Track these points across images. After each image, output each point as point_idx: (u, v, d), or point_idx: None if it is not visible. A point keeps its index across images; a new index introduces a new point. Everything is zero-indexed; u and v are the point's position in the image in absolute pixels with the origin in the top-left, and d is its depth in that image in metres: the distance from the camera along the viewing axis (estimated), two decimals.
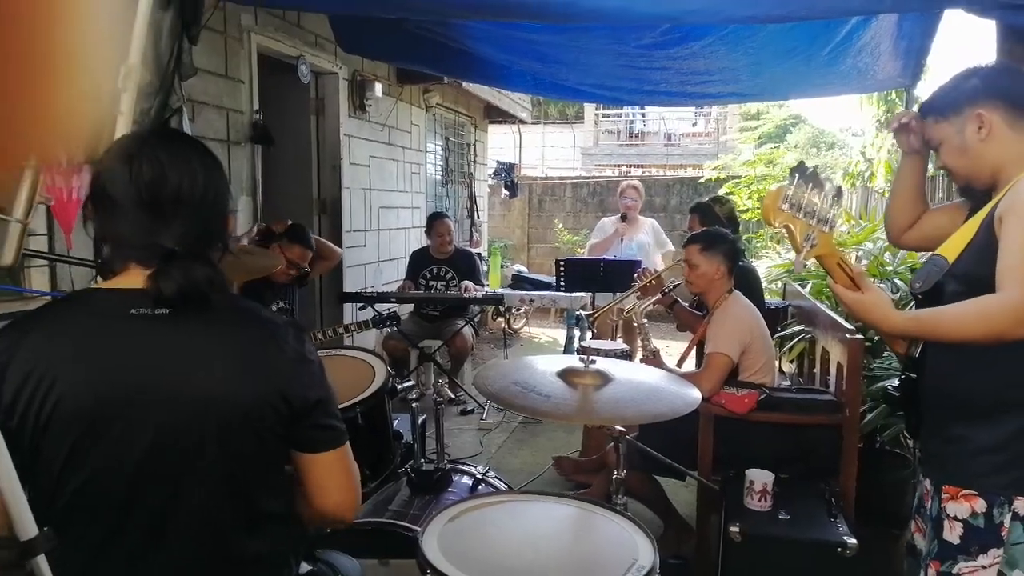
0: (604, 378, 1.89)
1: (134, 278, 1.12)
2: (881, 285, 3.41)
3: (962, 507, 1.53)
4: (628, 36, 3.14)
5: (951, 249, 1.61)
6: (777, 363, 3.86)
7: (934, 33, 3.43)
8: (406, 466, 2.42)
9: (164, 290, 1.08)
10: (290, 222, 3.68)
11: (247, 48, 3.95)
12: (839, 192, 1.55)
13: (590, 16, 2.33)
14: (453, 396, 5.08)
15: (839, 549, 2.11)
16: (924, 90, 6.11)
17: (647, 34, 3.07)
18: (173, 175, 1.13)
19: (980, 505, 1.50)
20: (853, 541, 2.12)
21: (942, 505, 1.56)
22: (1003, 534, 1.48)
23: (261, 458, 1.16)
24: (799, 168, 1.50)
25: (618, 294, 4.41)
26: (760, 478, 2.31)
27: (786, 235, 1.51)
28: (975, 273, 1.51)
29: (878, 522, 2.77)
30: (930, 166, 1.93)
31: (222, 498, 1.13)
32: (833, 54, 3.35)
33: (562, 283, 5.12)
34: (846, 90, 4.72)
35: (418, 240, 6.34)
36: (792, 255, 1.58)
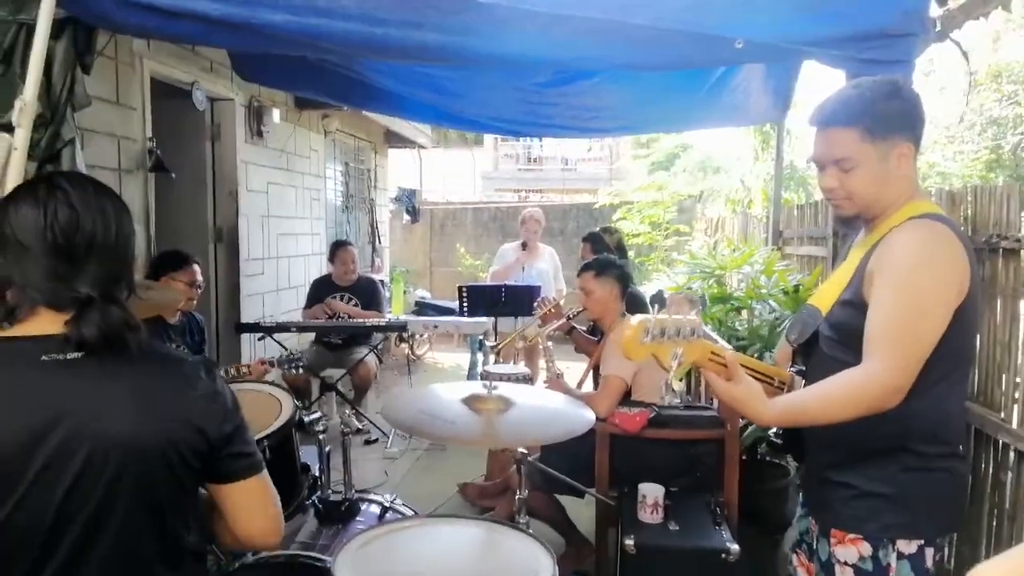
0: (506, 403, 2.00)
1: (44, 324, 1.14)
2: (757, 307, 3.70)
3: (849, 551, 1.54)
4: (523, 74, 3.32)
5: (824, 300, 1.63)
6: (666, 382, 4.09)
7: (797, 75, 3.81)
8: (313, 497, 2.44)
9: (86, 335, 1.10)
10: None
11: (140, 74, 3.87)
12: (699, 300, 1.58)
13: (487, 60, 2.46)
14: (360, 426, 5.06)
15: (723, 555, 2.30)
16: (792, 121, 6.66)
17: (540, 73, 3.26)
18: (87, 220, 1.15)
19: (866, 548, 1.52)
20: (735, 547, 2.31)
21: (831, 549, 1.57)
22: (891, 574, 1.50)
23: (180, 495, 1.19)
24: (656, 298, 1.54)
25: (520, 320, 4.57)
26: (652, 492, 2.47)
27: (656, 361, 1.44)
28: (847, 324, 1.53)
29: (760, 528, 3.00)
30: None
31: (142, 536, 1.16)
32: (710, 93, 3.64)
33: (465, 308, 5.22)
34: (724, 123, 5.12)
35: (318, 267, 6.29)
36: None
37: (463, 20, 2.04)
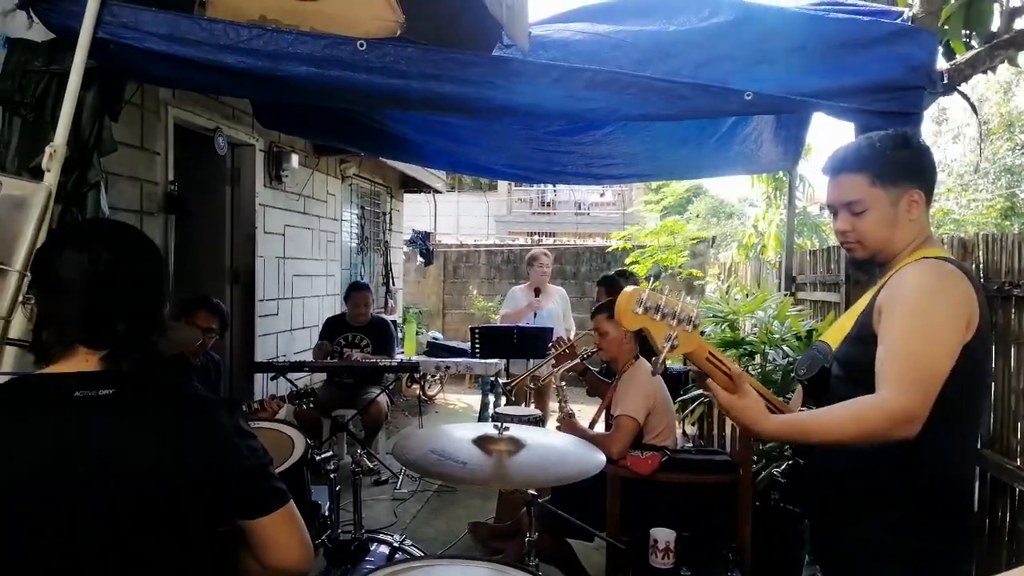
0: (517, 444, 2.01)
1: (79, 361, 1.18)
2: (770, 352, 3.70)
3: None
4: (537, 124, 3.40)
5: (834, 336, 1.64)
6: (680, 426, 4.08)
7: (808, 124, 3.86)
8: (323, 537, 2.44)
9: (123, 369, 1.14)
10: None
11: (164, 121, 3.99)
12: (690, 289, 1.61)
13: (503, 110, 2.53)
14: (371, 466, 5.05)
15: None
16: (805, 168, 6.67)
17: (554, 122, 3.34)
18: (128, 262, 1.21)
19: None
20: None
21: None
22: None
23: (201, 532, 1.21)
24: (652, 272, 1.58)
25: (533, 361, 4.58)
26: (663, 536, 2.45)
27: (647, 337, 1.48)
28: (857, 361, 1.53)
29: (772, 574, 2.95)
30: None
31: (162, 572, 1.17)
32: (720, 142, 3.70)
33: (477, 350, 5.23)
34: (736, 172, 5.15)
35: (332, 308, 6.35)
36: None
37: (480, 72, 2.11)
